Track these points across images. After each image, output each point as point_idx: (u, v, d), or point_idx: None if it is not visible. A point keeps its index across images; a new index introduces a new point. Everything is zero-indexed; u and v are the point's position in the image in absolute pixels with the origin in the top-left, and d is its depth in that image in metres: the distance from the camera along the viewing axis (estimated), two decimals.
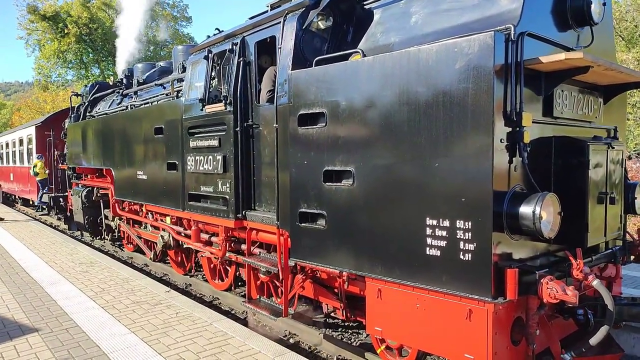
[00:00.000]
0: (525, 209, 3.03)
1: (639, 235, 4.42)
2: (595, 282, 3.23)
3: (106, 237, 10.80)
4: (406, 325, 3.56)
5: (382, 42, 4.16)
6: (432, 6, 3.89)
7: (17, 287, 6.65)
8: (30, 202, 18.43)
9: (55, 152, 14.21)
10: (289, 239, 4.58)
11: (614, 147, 3.83)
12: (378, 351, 4.52)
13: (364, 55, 3.89)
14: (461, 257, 3.11)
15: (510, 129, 3.10)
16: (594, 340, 3.26)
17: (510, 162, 3.12)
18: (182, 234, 7.02)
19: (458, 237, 3.12)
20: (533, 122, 3.20)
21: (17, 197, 20.56)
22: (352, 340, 5.38)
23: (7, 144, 20.95)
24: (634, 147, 16.37)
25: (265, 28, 5.10)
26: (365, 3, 4.61)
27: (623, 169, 4.10)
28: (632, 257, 4.40)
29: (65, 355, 4.35)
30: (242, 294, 6.60)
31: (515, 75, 3.09)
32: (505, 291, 3.01)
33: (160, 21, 34.80)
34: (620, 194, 4.01)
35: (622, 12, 19.23)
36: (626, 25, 19.63)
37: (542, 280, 3.06)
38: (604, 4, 3.85)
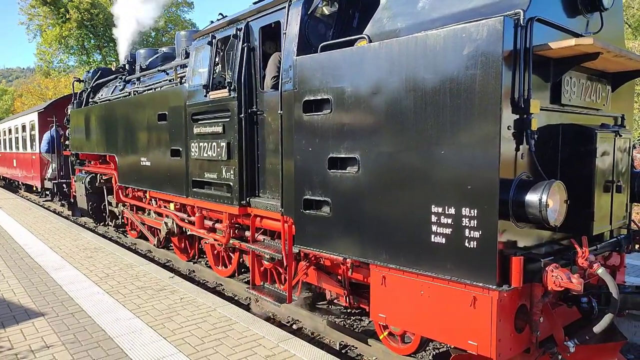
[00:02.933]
0: (531, 197, 3.01)
1: None
2: (601, 271, 3.23)
3: (110, 223, 10.84)
4: (410, 311, 3.57)
5: (389, 28, 4.11)
6: None
7: (23, 272, 6.69)
8: (34, 189, 18.48)
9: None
10: (293, 226, 4.59)
11: (621, 135, 3.80)
12: (381, 337, 4.55)
13: (370, 41, 3.85)
14: (466, 244, 3.11)
15: (517, 116, 3.08)
16: (597, 328, 3.26)
17: (517, 149, 3.11)
18: (186, 221, 7.03)
19: (463, 224, 3.12)
20: (541, 110, 3.17)
21: (20, 183, 20.62)
22: (355, 327, 5.42)
23: (9, 130, 20.96)
24: (639, 137, 16.27)
25: (269, 13, 5.05)
26: None
27: (630, 157, 4.07)
28: (637, 246, 4.40)
29: (72, 339, 4.39)
30: (246, 280, 6.64)
31: (524, 62, 3.06)
32: (510, 279, 3.01)
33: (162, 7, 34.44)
34: (626, 182, 3.99)
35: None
36: (633, 12, 19.40)
37: (547, 268, 3.05)
38: None
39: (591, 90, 3.89)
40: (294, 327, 5.53)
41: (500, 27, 2.90)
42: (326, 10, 4.70)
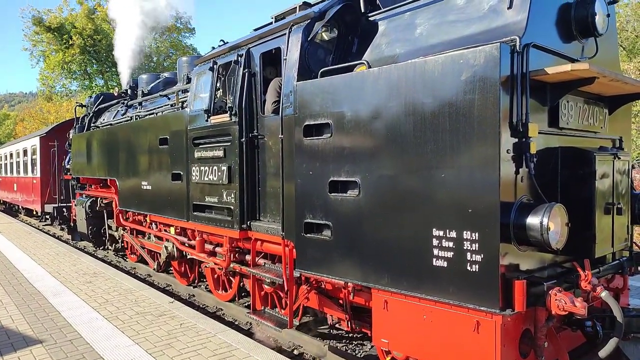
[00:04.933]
0: (532, 220, 3.02)
1: None
2: (604, 294, 3.21)
3: (110, 247, 10.79)
4: (413, 336, 3.53)
5: (388, 54, 4.19)
6: (438, 18, 3.91)
7: (21, 298, 6.63)
8: (34, 213, 18.45)
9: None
10: (294, 250, 4.57)
11: (620, 158, 3.83)
12: None
13: (370, 67, 3.91)
14: (468, 268, 3.10)
15: (516, 140, 3.11)
16: (603, 353, 3.23)
17: (517, 172, 3.13)
18: (186, 245, 7.01)
19: (465, 248, 3.11)
20: (539, 133, 3.20)
21: (20, 207, 20.61)
22: (357, 352, 5.34)
23: (10, 155, 21.06)
24: (637, 157, 16.35)
25: (270, 40, 5.14)
26: (370, 15, 4.64)
27: (629, 179, 4.09)
28: None
29: None
30: (246, 304, 6.57)
31: (521, 87, 3.11)
32: (513, 303, 2.99)
33: (163, 32, 35.07)
34: (627, 204, 4.01)
35: (622, 22, 19.35)
36: (627, 35, 19.73)
37: (550, 292, 3.04)
38: (608, 16, 3.88)
39: (588, 113, 3.94)
40: (295, 352, 5.45)
41: (497, 53, 2.95)
42: (326, 36, 4.79)
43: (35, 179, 16.66)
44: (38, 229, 15.52)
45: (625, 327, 3.32)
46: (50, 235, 14.17)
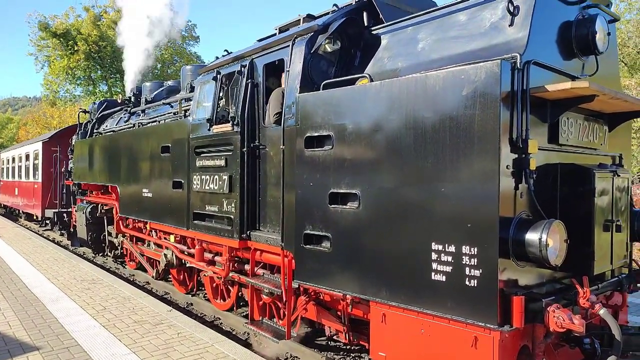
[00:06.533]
0: (531, 236, 3.03)
1: None
2: (602, 311, 3.20)
3: (109, 254, 10.78)
4: (410, 350, 3.52)
5: (389, 67, 4.23)
6: (440, 33, 3.95)
7: (19, 304, 6.62)
8: (35, 217, 18.46)
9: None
10: (293, 261, 4.57)
11: (619, 175, 3.84)
12: None
13: (372, 80, 3.94)
14: (467, 283, 3.10)
15: (516, 156, 3.12)
16: None
17: (516, 188, 3.14)
18: (186, 253, 7.00)
19: (464, 262, 3.11)
20: (539, 149, 3.22)
21: (20, 211, 20.62)
22: None
23: (12, 159, 21.13)
24: (638, 172, 16.36)
25: (274, 51, 5.19)
26: (373, 29, 4.69)
27: (629, 196, 4.10)
28: (639, 285, 4.37)
29: None
30: (244, 314, 6.55)
31: (522, 103, 3.13)
32: (512, 319, 2.99)
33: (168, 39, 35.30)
34: (626, 221, 4.01)
35: (624, 39, 19.45)
36: (628, 51, 19.82)
37: (548, 309, 3.04)
38: (609, 34, 3.91)
39: (588, 130, 3.96)
40: None
41: (498, 70, 2.98)
42: (329, 48, 4.83)
43: (37, 184, 16.70)
44: (38, 234, 15.51)
45: (624, 345, 3.30)
46: (49, 240, 14.16)
